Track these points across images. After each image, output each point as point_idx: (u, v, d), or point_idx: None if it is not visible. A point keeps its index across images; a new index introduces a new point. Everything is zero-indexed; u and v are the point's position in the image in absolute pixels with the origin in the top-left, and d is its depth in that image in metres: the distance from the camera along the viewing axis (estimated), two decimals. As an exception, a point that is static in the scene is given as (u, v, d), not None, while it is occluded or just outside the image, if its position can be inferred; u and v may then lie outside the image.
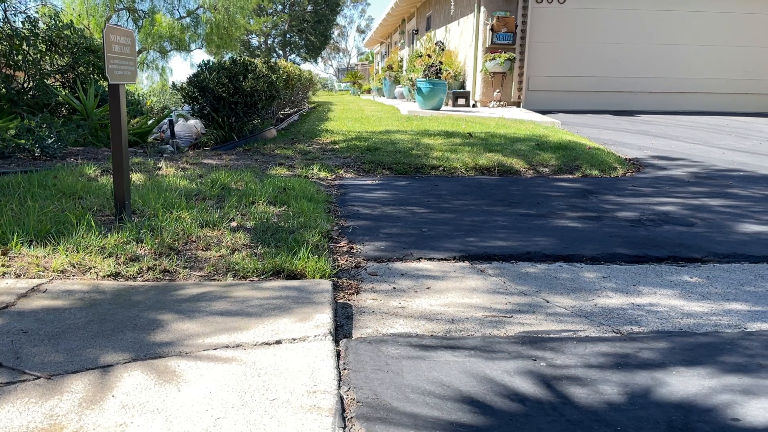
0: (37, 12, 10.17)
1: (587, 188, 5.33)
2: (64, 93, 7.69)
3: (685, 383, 1.86)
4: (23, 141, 5.77)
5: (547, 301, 2.68)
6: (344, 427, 1.53)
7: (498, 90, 12.76)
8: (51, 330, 2.07)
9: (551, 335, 2.29)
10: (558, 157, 6.41)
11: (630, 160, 6.86)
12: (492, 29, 12.42)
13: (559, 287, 2.87)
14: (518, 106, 12.79)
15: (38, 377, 1.75)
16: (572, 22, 13.09)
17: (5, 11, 8.01)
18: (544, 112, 11.53)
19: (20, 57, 7.43)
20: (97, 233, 3.02)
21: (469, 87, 13.62)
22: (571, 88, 13.21)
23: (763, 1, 13.17)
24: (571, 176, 5.95)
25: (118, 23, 23.32)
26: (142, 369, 1.80)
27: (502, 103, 12.77)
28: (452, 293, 2.74)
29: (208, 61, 7.84)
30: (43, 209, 3.42)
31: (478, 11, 12.89)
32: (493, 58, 12.39)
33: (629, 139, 8.54)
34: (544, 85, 13.00)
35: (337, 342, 2.10)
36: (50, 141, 5.88)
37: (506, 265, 3.18)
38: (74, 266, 2.72)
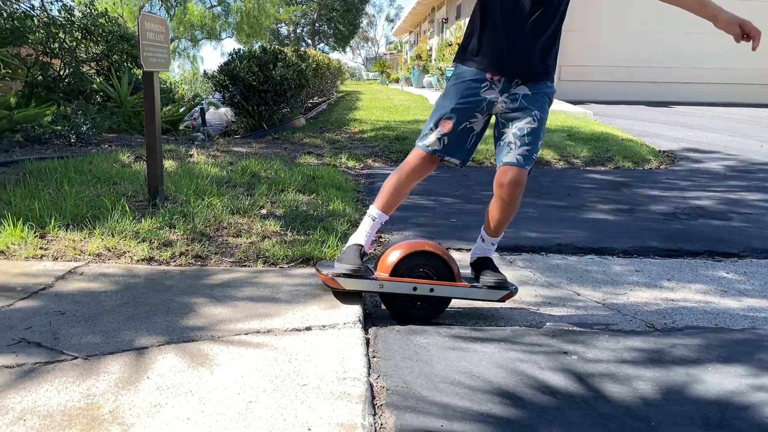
0: (72, 0, 10.35)
1: (620, 180, 5.23)
2: (98, 81, 7.82)
3: (721, 380, 1.82)
4: (59, 127, 5.90)
5: (578, 294, 2.65)
6: (374, 415, 1.54)
7: (528, 80, 12.59)
8: (87, 312, 2.12)
9: (582, 329, 2.26)
10: (590, 149, 6.30)
11: (664, 152, 6.71)
12: (523, 18, 12.24)
13: (590, 280, 2.83)
14: (549, 96, 12.60)
15: (75, 357, 1.79)
16: (607, 10, 12.82)
17: (42, 0, 8.17)
18: (576, 103, 11.34)
19: (56, 45, 7.57)
20: (131, 218, 3.08)
21: (499, 77, 13.46)
22: (605, 78, 12.96)
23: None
24: (603, 168, 5.85)
25: (151, 11, 23.62)
26: (175, 352, 1.83)
27: (532, 93, 12.60)
28: (481, 284, 2.72)
29: (239, 49, 7.89)
30: (79, 194, 3.50)
31: (510, -1, 12.72)
32: (524, 48, 12.21)
33: (663, 131, 8.35)
34: (576, 75, 12.78)
35: (365, 330, 2.11)
36: (85, 128, 6.00)
37: (536, 257, 3.15)
38: (109, 250, 2.77)
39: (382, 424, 1.50)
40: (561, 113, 9.67)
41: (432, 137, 2.27)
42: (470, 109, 2.23)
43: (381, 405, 1.59)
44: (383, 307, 2.40)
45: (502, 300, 2.35)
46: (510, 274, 2.85)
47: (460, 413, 1.56)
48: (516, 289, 2.39)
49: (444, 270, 2.33)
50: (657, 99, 12.96)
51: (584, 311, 2.46)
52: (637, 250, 3.27)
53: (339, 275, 2.27)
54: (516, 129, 2.19)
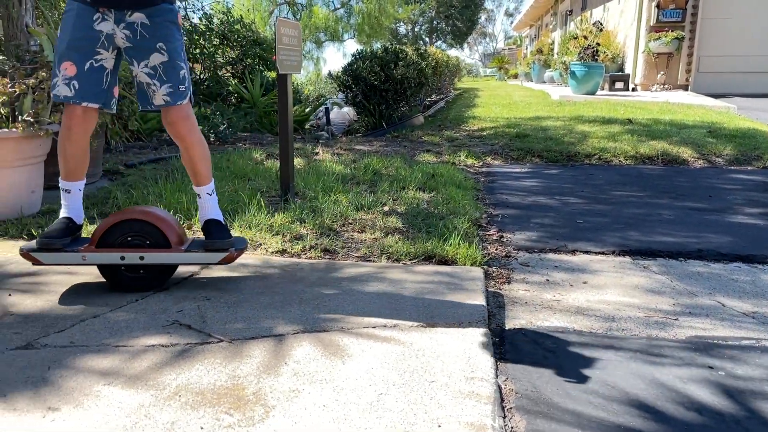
0: (211, 9, 11.17)
1: (770, 181, 4.74)
2: (234, 83, 8.40)
3: None
4: (201, 127, 6.40)
5: (723, 305, 2.44)
6: (504, 417, 1.52)
7: (662, 72, 11.75)
8: (230, 298, 2.29)
9: (729, 342, 2.08)
10: (734, 146, 5.77)
11: (825, 150, 5.97)
12: (658, 6, 11.44)
13: (737, 290, 2.59)
14: (686, 89, 11.68)
15: (222, 341, 1.94)
16: (755, -7, 11.63)
17: (186, 9, 8.90)
18: (716, 96, 10.43)
19: (198, 50, 8.23)
20: (265, 212, 3.28)
21: (628, 69, 12.70)
22: (751, 69, 11.77)
23: None
24: (749, 168, 5.33)
25: (280, 16, 24.88)
26: (309, 341, 1.93)
27: (666, 86, 11.75)
28: (611, 289, 2.59)
29: (362, 50, 8.11)
30: (219, 189, 3.78)
31: (642, -13, 11.93)
32: (658, 38, 11.42)
33: (824, 126, 7.44)
34: (717, 66, 11.72)
35: (491, 330, 2.09)
36: (222, 127, 6.47)
37: (673, 263, 2.94)
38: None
39: (512, 428, 1.48)
40: (700, 108, 8.93)
41: (60, 85, 2.10)
42: (89, 45, 2.06)
43: (511, 408, 1.57)
44: (508, 314, 2.36)
45: (223, 262, 2.32)
46: (643, 280, 2.69)
47: (595, 423, 1.50)
48: (239, 250, 2.35)
49: (158, 236, 2.26)
50: (815, 90, 11.56)
51: (730, 323, 2.26)
52: (793, 260, 2.95)
53: (34, 250, 2.19)
54: (149, 69, 2.10)
